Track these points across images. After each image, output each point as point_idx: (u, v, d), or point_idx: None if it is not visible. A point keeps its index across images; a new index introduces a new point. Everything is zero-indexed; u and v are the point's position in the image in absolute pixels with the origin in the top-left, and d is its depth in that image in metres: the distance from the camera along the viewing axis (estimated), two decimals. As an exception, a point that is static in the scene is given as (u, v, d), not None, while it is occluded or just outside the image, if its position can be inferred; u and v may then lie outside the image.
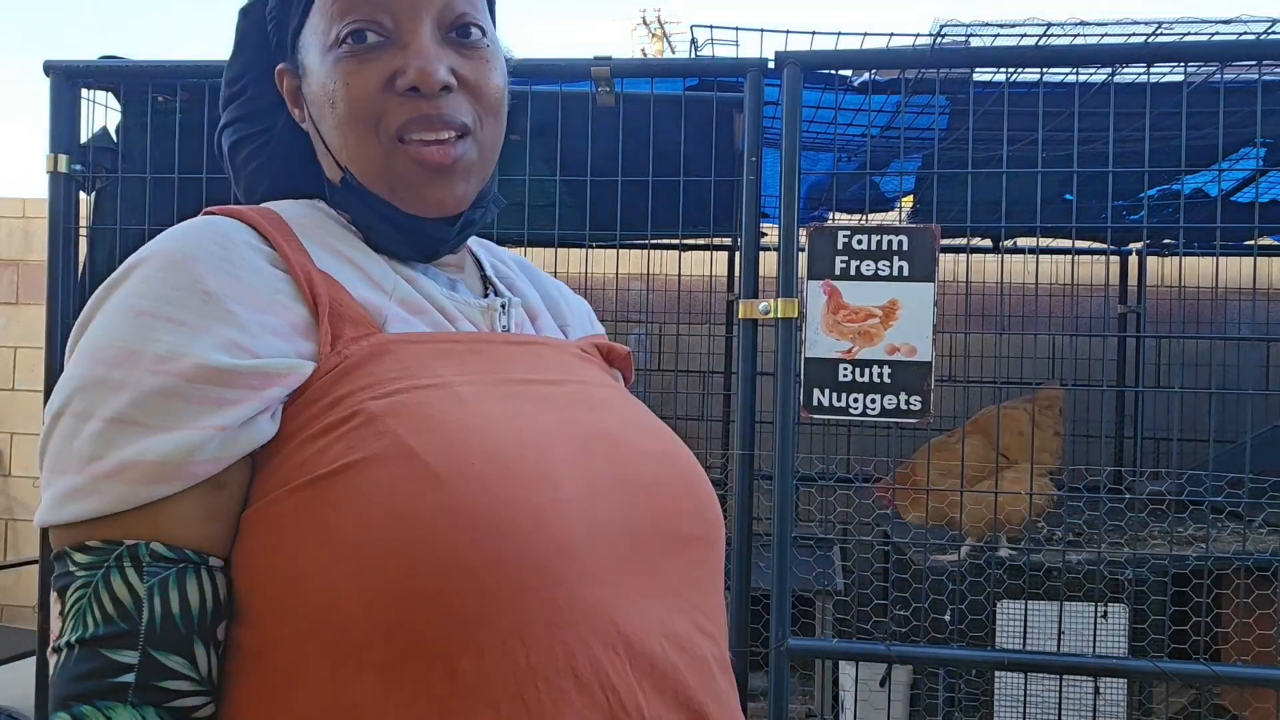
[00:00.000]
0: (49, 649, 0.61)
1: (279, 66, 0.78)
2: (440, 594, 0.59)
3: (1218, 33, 1.86)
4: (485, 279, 0.83)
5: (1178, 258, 3.78)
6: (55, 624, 0.60)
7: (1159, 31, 1.84)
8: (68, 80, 2.06)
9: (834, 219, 3.03)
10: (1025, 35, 1.84)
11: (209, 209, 0.71)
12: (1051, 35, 1.82)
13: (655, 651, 0.66)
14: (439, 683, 0.58)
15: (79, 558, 0.59)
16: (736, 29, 2.03)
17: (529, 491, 0.62)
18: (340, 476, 0.60)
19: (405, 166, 0.71)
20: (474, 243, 0.86)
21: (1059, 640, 2.17)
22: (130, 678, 0.57)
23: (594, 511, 0.65)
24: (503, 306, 0.78)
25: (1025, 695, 2.25)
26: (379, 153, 0.71)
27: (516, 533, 0.60)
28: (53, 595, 0.61)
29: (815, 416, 1.82)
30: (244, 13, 0.80)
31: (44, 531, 0.63)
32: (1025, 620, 2.05)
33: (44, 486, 0.61)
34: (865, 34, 1.86)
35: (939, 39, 1.85)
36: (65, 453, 0.60)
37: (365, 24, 0.70)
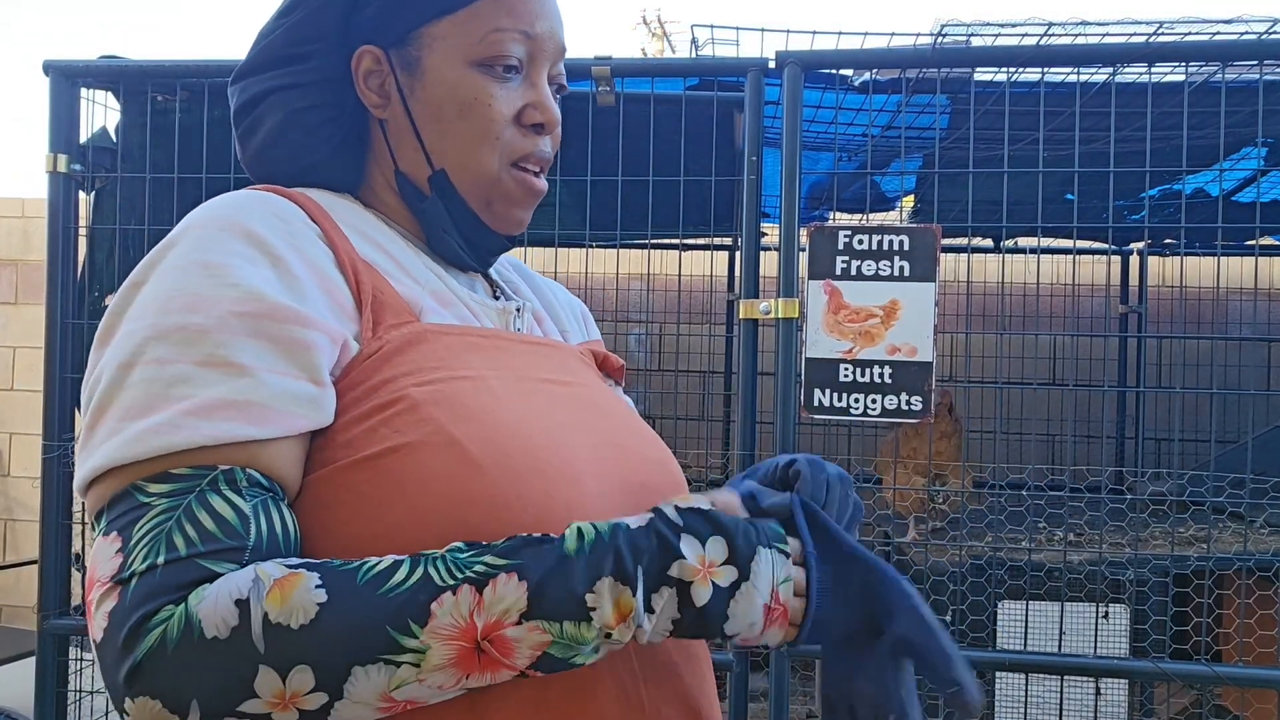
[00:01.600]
0: (102, 586, 0.56)
1: (365, 47, 0.76)
2: None
3: (1219, 33, 1.85)
4: (491, 282, 0.87)
5: (1179, 258, 3.78)
6: (108, 563, 0.56)
7: (1160, 31, 1.83)
8: (67, 80, 2.05)
9: (835, 219, 3.03)
10: (1026, 35, 1.84)
11: (257, 186, 0.73)
12: (1053, 35, 1.82)
13: (658, 648, 0.69)
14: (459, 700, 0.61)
15: (156, 488, 0.57)
16: (737, 28, 2.03)
17: (559, 486, 0.65)
18: (386, 459, 0.62)
19: (513, 187, 0.78)
20: None
21: (1060, 641, 2.16)
22: None
23: (609, 509, 0.68)
24: (517, 310, 0.82)
25: (1026, 696, 2.24)
26: (494, 170, 0.77)
27: (549, 524, 0.62)
28: (101, 541, 0.58)
29: (816, 416, 1.82)
30: None
31: (89, 481, 0.60)
32: (1026, 621, 2.05)
33: (107, 433, 0.59)
34: (866, 33, 1.86)
35: (940, 39, 1.85)
36: (145, 396, 0.59)
37: (513, 55, 0.76)
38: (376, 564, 0.57)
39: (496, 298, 0.84)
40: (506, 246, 0.83)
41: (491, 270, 0.87)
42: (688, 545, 0.60)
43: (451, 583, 0.56)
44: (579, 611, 0.57)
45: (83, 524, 2.19)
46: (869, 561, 0.64)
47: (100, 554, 0.57)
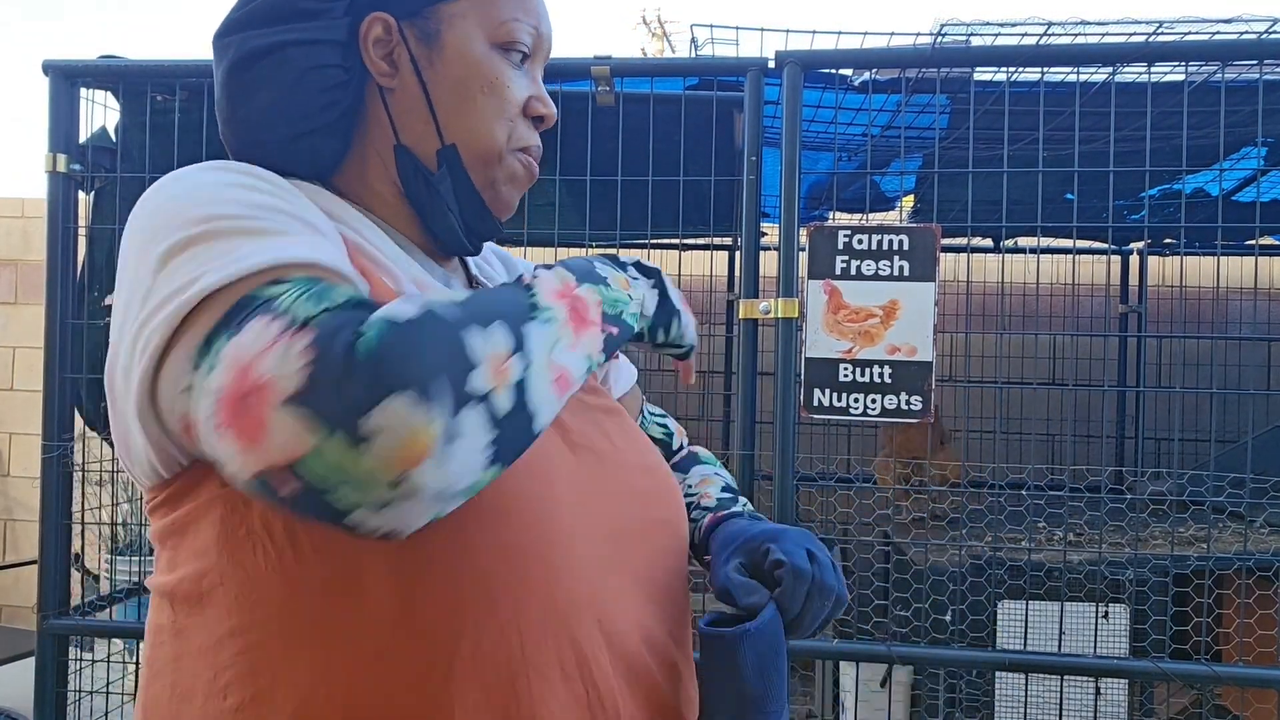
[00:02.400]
0: (266, 352, 0.52)
1: (376, 14, 0.75)
2: (451, 575, 0.61)
3: (1218, 32, 1.85)
4: (470, 275, 0.86)
5: (1179, 257, 3.78)
6: (263, 333, 0.52)
7: (1160, 31, 1.83)
8: (67, 79, 2.05)
9: (834, 219, 3.02)
10: (1026, 34, 1.84)
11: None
12: (1052, 35, 1.82)
13: (634, 652, 0.70)
14: (439, 664, 0.61)
15: (275, 288, 0.56)
16: (737, 28, 2.02)
17: (534, 486, 0.65)
18: None
19: (519, 168, 0.79)
20: None
21: (1060, 641, 2.16)
22: None
23: (587, 512, 0.69)
24: None
25: (1026, 696, 2.24)
26: (503, 149, 0.77)
27: (522, 522, 0.63)
28: (230, 345, 0.53)
29: (815, 416, 1.82)
30: None
31: (190, 307, 0.57)
32: (1026, 621, 2.05)
33: (191, 275, 0.57)
34: (866, 33, 1.86)
35: (940, 38, 1.85)
36: (220, 243, 0.58)
37: (527, 47, 0.78)
38: None
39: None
40: (498, 233, 0.83)
41: (471, 265, 0.87)
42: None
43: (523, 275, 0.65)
44: (602, 280, 0.69)
45: (82, 524, 2.19)
46: (773, 704, 0.71)
47: (243, 341, 0.53)
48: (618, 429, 0.80)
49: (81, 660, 2.23)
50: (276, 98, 0.73)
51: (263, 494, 0.53)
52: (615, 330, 0.67)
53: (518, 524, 0.64)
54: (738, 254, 2.27)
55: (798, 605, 0.73)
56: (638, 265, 0.79)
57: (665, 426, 1.03)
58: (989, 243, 3.39)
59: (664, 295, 0.79)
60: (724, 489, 0.92)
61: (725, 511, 0.87)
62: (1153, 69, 1.88)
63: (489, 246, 0.92)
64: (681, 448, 1.03)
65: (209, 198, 0.61)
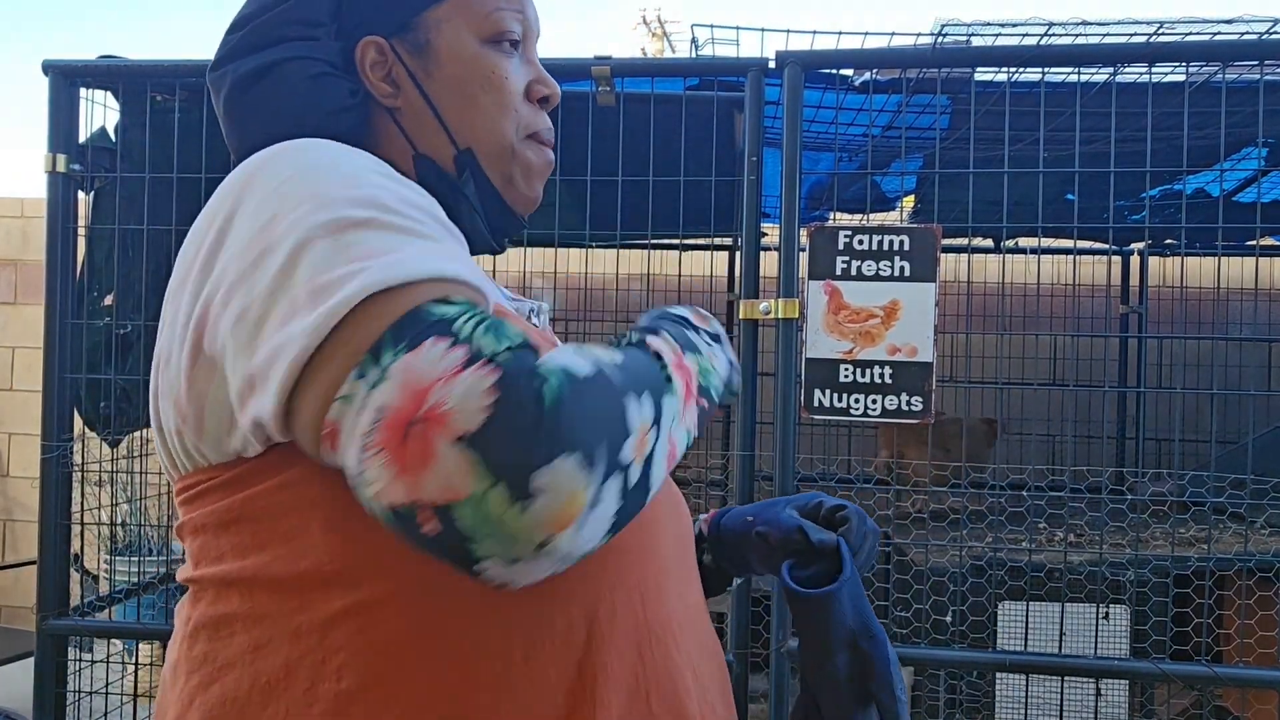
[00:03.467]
0: (450, 379, 0.50)
1: (368, 39, 0.75)
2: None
3: (1219, 32, 1.85)
4: None
5: (1179, 258, 3.77)
6: (445, 358, 0.51)
7: (1161, 31, 1.83)
8: (66, 80, 2.05)
9: (835, 219, 3.02)
10: (1027, 35, 1.83)
11: None
12: (1053, 35, 1.81)
13: (694, 604, 0.74)
14: (580, 630, 0.62)
15: (444, 309, 0.54)
16: (737, 28, 2.02)
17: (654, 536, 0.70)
18: None
19: (535, 157, 0.79)
20: None
21: (1060, 641, 2.16)
22: None
23: (674, 543, 0.73)
24: (532, 310, 0.81)
25: (1027, 696, 2.24)
26: (514, 141, 0.78)
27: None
28: (410, 356, 0.51)
29: (816, 417, 1.82)
30: None
31: (347, 311, 0.54)
32: (1026, 621, 2.05)
33: (354, 271, 0.54)
34: (866, 33, 1.86)
35: (940, 38, 1.85)
36: (385, 239, 0.57)
37: (514, 32, 0.77)
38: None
39: None
40: (520, 228, 0.83)
41: None
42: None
43: (646, 338, 0.65)
44: (695, 347, 0.69)
45: (82, 524, 2.19)
46: (875, 628, 0.74)
47: (420, 362, 0.51)
48: None
49: (81, 660, 2.22)
50: (284, 106, 0.73)
51: (395, 524, 0.51)
52: (705, 404, 0.67)
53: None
54: (738, 254, 2.27)
55: (861, 543, 0.77)
56: (698, 315, 0.77)
57: None
58: (989, 243, 3.39)
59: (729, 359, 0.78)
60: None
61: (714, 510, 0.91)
62: (1154, 69, 1.88)
63: None
64: None
65: (359, 180, 0.60)
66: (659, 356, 0.63)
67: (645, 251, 3.08)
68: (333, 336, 0.54)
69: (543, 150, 0.80)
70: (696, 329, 0.73)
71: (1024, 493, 2.07)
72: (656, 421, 0.57)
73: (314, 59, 0.74)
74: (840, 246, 1.81)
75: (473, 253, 0.80)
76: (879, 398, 1.79)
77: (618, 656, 0.63)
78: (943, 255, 1.80)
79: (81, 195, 2.11)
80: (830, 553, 0.75)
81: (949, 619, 2.33)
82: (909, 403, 1.78)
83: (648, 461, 0.55)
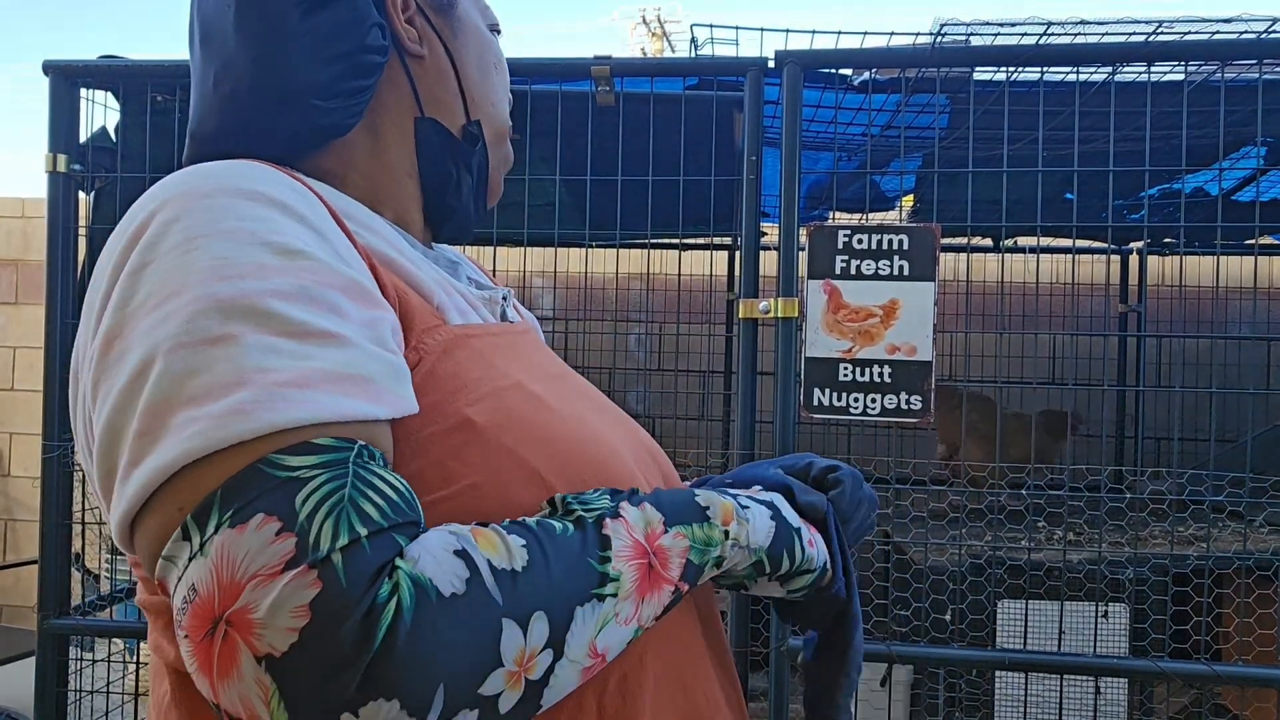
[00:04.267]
0: (265, 580, 0.43)
1: None
2: None
3: (1218, 31, 1.85)
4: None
5: (1178, 257, 3.78)
6: (267, 550, 0.43)
7: (1159, 30, 1.83)
8: (67, 80, 2.05)
9: (834, 218, 3.02)
10: (1025, 34, 1.83)
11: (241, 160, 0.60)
12: (1052, 34, 1.82)
13: (720, 646, 0.73)
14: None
15: (297, 460, 0.46)
16: (736, 28, 2.02)
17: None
18: (466, 498, 0.56)
19: (510, 151, 0.80)
20: None
21: (1060, 640, 2.16)
22: None
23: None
24: (504, 298, 0.76)
25: (1026, 695, 2.24)
26: (508, 129, 0.78)
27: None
28: (230, 535, 0.44)
29: (815, 416, 1.82)
30: None
31: (160, 482, 0.47)
32: (1026, 620, 2.05)
33: (182, 424, 0.46)
34: (865, 33, 1.86)
35: (939, 38, 1.85)
36: (231, 373, 0.47)
37: (499, 31, 0.79)
38: (525, 519, 0.54)
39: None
40: (482, 220, 0.81)
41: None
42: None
43: (596, 518, 0.55)
44: (700, 514, 0.61)
45: (82, 524, 2.19)
46: (851, 595, 0.72)
47: (241, 547, 0.44)
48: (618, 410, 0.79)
49: (81, 660, 2.23)
50: (322, 38, 0.64)
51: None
52: (685, 586, 0.59)
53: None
54: (738, 254, 2.27)
55: (853, 510, 0.73)
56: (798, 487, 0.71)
57: None
58: (989, 242, 3.39)
59: (780, 520, 0.66)
60: None
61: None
62: (1152, 69, 1.88)
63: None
64: None
65: (246, 269, 0.50)
66: (604, 544, 0.53)
67: (645, 251, 3.08)
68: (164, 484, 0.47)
69: (509, 149, 0.81)
70: (776, 491, 0.69)
71: (1023, 492, 2.07)
72: (555, 641, 0.48)
73: (333, 2, 0.65)
74: (839, 246, 1.81)
75: (446, 232, 0.76)
76: (878, 397, 1.79)
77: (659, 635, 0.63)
78: (942, 254, 1.80)
79: (82, 195, 2.12)
80: (819, 520, 0.70)
81: (948, 617, 2.33)
82: (908, 402, 1.78)
83: (537, 683, 0.48)
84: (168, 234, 0.51)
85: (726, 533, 0.61)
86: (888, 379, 1.79)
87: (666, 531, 0.58)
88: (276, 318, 0.49)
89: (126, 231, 0.54)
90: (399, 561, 0.46)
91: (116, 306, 0.51)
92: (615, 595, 0.53)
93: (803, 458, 0.77)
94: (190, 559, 0.45)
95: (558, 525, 0.53)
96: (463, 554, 0.47)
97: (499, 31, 0.78)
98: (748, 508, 0.64)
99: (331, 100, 0.66)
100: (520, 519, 0.54)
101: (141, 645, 2.57)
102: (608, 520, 0.55)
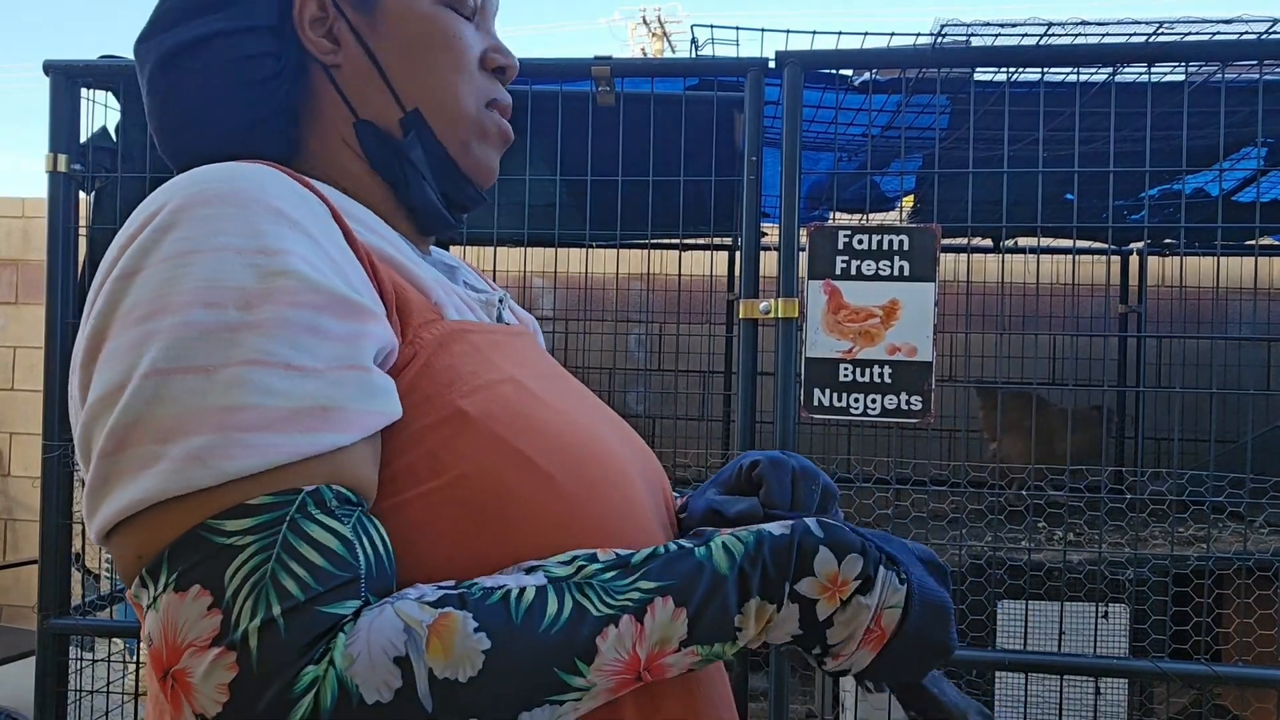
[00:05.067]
0: (198, 653, 0.46)
1: None
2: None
3: (1219, 32, 1.85)
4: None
5: (1178, 257, 3.78)
6: (198, 624, 0.46)
7: (1160, 31, 1.83)
8: (67, 80, 2.06)
9: (834, 219, 3.02)
10: (1026, 35, 1.84)
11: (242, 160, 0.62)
12: (1052, 35, 1.82)
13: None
14: None
15: (234, 525, 0.47)
16: (737, 28, 2.03)
17: (627, 490, 0.64)
18: (460, 488, 0.57)
19: (493, 127, 0.74)
20: None
21: (1060, 640, 2.16)
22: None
23: (655, 506, 0.68)
24: (500, 300, 0.76)
25: (1026, 695, 2.24)
26: (473, 107, 0.72)
27: (625, 534, 0.62)
28: (173, 598, 0.47)
29: (815, 416, 1.82)
30: None
31: (118, 521, 0.49)
32: (1026, 620, 2.05)
33: (141, 460, 0.48)
34: (866, 34, 1.86)
35: (940, 39, 1.85)
36: (193, 410, 0.48)
37: (473, 2, 0.73)
38: (520, 593, 0.52)
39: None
40: (480, 201, 0.76)
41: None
42: (825, 560, 0.58)
43: (610, 613, 0.53)
44: (730, 633, 0.57)
45: (83, 524, 2.19)
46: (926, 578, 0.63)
47: (180, 614, 0.47)
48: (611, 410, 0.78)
49: (82, 660, 2.23)
50: (208, 96, 0.67)
51: None
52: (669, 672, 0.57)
53: (623, 538, 0.62)
54: (738, 254, 2.27)
55: (786, 494, 0.70)
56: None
57: None
58: (989, 243, 3.39)
59: (809, 614, 0.59)
60: None
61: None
62: (1153, 69, 1.88)
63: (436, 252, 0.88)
64: None
65: (226, 295, 0.51)
66: (589, 655, 0.52)
67: (645, 251, 3.08)
68: (124, 522, 0.49)
69: (500, 122, 0.74)
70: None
71: (1023, 492, 2.07)
72: None
73: (243, 30, 0.67)
74: (840, 246, 1.81)
75: (426, 229, 0.75)
76: (878, 397, 1.79)
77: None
78: (942, 255, 1.80)
79: (82, 195, 2.12)
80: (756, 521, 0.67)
81: (948, 618, 2.33)
82: (908, 402, 1.79)
83: None
84: (162, 242, 0.52)
85: (736, 633, 0.57)
86: (888, 379, 1.79)
87: (681, 650, 0.55)
88: (250, 350, 0.50)
89: (127, 232, 0.55)
90: (335, 657, 0.47)
91: (103, 310, 0.53)
92: (578, 700, 0.52)
93: (736, 461, 0.75)
94: (148, 607, 0.48)
95: (551, 608, 0.52)
96: (403, 661, 0.47)
97: (468, 7, 0.72)
98: (771, 598, 0.58)
99: (249, 134, 0.68)
100: (511, 590, 0.52)
101: (141, 645, 2.57)
102: (609, 630, 0.53)
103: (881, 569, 0.59)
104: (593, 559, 0.56)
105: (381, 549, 0.53)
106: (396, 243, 0.67)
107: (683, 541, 0.59)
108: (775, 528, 0.59)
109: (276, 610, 0.46)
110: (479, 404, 0.59)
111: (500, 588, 0.53)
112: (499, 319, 0.74)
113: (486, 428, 0.59)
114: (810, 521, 0.60)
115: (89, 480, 0.51)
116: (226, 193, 0.54)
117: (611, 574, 0.55)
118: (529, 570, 0.55)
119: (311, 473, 0.50)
